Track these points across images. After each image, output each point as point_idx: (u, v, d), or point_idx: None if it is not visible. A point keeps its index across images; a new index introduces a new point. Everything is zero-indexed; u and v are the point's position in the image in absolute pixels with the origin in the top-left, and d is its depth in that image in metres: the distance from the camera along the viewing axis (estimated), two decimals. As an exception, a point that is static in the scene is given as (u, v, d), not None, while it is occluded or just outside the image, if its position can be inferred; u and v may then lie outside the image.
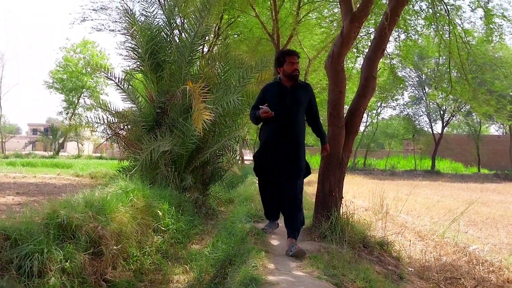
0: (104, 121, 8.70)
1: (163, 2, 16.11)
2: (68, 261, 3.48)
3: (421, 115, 37.37)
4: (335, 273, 3.37)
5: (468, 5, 8.47)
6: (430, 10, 8.21)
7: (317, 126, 4.74)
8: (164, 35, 8.62)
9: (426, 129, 37.05)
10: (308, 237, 4.85)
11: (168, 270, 4.71)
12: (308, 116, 4.62)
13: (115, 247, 4.11)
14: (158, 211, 5.86)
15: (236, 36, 16.66)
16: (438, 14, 7.81)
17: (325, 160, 5.08)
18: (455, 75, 10.77)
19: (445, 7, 7.68)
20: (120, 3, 18.51)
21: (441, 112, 35.62)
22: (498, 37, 8.60)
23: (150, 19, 8.76)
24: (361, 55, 11.38)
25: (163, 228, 5.70)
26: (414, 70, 32.57)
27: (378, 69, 5.33)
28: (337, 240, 4.45)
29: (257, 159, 4.72)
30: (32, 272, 3.15)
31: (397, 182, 20.59)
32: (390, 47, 15.72)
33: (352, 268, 3.61)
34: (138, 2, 18.18)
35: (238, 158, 9.94)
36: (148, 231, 5.39)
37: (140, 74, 9.53)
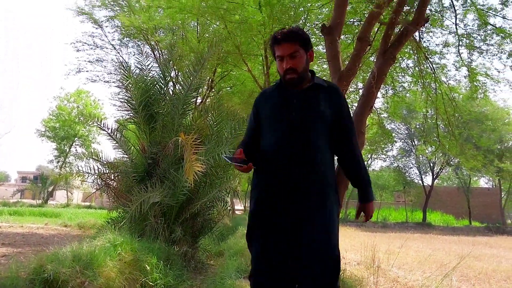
0: (94, 171, 8.70)
1: (158, 56, 16.58)
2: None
3: (411, 167, 37.72)
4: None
5: (452, 64, 8.84)
6: (417, 68, 8.54)
7: (352, 160, 2.61)
8: (158, 88, 8.80)
9: (416, 181, 37.29)
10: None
11: (155, 329, 4.58)
12: (337, 141, 2.57)
13: (101, 304, 4.01)
14: (146, 265, 5.76)
15: (229, 88, 17.02)
16: (424, 72, 8.12)
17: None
18: (442, 130, 11.04)
19: (431, 66, 8.00)
20: (116, 55, 19.01)
21: (431, 165, 35.99)
22: (482, 94, 8.91)
23: (145, 72, 8.97)
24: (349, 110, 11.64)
25: (151, 283, 5.58)
26: (403, 123, 33.19)
27: (366, 125, 5.47)
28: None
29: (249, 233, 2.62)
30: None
31: (389, 234, 20.44)
32: (378, 103, 16.15)
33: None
34: (134, 55, 18.65)
35: (229, 209, 9.87)
36: (136, 286, 5.27)
37: (133, 125, 9.65)
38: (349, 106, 11.72)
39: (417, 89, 9.52)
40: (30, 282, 3.53)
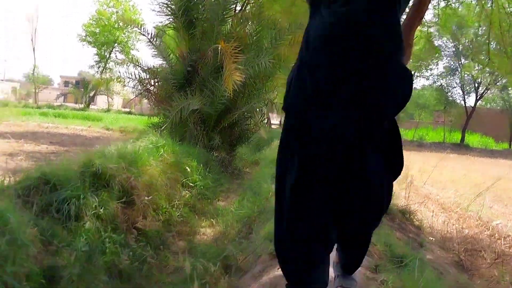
0: (135, 77, 8.84)
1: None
2: (102, 207, 3.68)
3: (454, 87, 36.32)
4: (357, 236, 3.45)
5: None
6: (474, -23, 7.87)
7: None
8: (198, -8, 8.55)
9: (458, 101, 36.08)
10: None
11: (195, 223, 4.91)
12: None
13: (146, 198, 4.29)
14: (187, 167, 6.04)
15: (270, -5, 16.32)
16: (482, -19, 7.49)
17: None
18: (494, 47, 10.39)
19: (490, -26, 7.34)
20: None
21: (476, 85, 34.51)
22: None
23: (184, -26, 8.67)
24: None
25: (191, 184, 5.88)
26: (451, 40, 31.41)
27: (414, 37, 5.22)
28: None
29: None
30: (70, 216, 3.35)
31: (424, 153, 20.33)
32: (428, 15, 15.17)
33: (373, 232, 3.68)
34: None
35: (265, 121, 9.98)
36: (177, 186, 5.58)
37: (172, 31, 9.56)
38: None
39: (471, 1, 8.86)
40: (81, 175, 3.79)
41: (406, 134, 36.22)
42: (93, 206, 3.59)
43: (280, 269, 2.03)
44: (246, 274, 2.92)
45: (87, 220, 3.47)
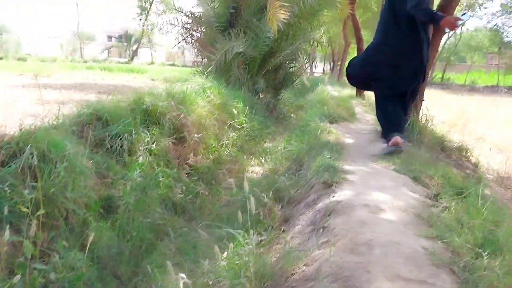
0: (178, 23, 8.74)
1: None
2: (154, 143, 3.72)
3: (511, 26, 33.93)
4: (412, 168, 3.33)
5: None
6: None
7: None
8: None
9: (515, 42, 33.76)
10: (383, 139, 4.79)
11: (244, 162, 4.93)
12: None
13: (196, 136, 4.31)
14: (233, 110, 6.01)
15: None
16: None
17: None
18: None
19: None
20: None
21: (536, 23, 32.05)
22: None
23: None
24: None
25: (237, 126, 5.87)
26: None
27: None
28: (415, 141, 4.35)
29: None
30: (123, 150, 3.41)
31: (477, 97, 19.38)
32: None
33: (430, 166, 3.54)
34: None
35: (310, 63, 9.75)
36: (224, 127, 5.58)
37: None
38: None
39: None
40: (131, 111, 3.83)
41: (457, 78, 34.63)
42: (145, 141, 3.64)
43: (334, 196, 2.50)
44: (299, 204, 2.90)
45: (140, 154, 3.53)
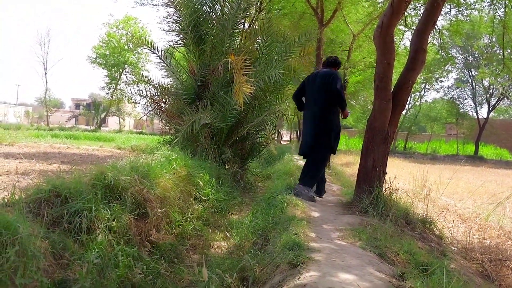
0: (146, 94, 8.85)
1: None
2: (115, 220, 3.59)
3: (466, 99, 36.08)
4: (378, 244, 3.32)
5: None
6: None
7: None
8: (207, 8, 8.60)
9: (470, 113, 35.75)
10: (348, 211, 4.80)
11: (209, 236, 4.80)
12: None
13: (159, 210, 4.20)
14: (199, 181, 5.96)
15: (278, 11, 16.34)
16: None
17: (369, 134, 4.98)
18: (508, 52, 10.24)
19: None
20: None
21: (488, 95, 34.19)
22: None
23: (193, -9, 8.73)
24: (409, 29, 10.98)
25: (203, 198, 5.80)
26: (460, 52, 31.29)
27: (428, 42, 5.13)
28: (379, 214, 4.38)
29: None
30: (81, 228, 3.26)
31: (439, 166, 20.01)
32: (440, 22, 15.09)
33: (395, 241, 3.55)
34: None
35: (277, 133, 9.91)
36: (190, 199, 5.49)
37: (182, 48, 9.59)
38: (410, 25, 11.04)
39: (483, 7, 8.76)
40: (93, 187, 3.72)
41: (419, 147, 35.94)
42: (105, 218, 3.51)
43: (299, 278, 2.44)
44: (264, 285, 2.80)
45: (99, 232, 3.38)
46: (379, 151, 4.91)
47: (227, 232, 4.87)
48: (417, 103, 36.66)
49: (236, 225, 4.97)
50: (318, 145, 5.57)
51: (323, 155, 5.69)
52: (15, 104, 53.48)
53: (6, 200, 3.02)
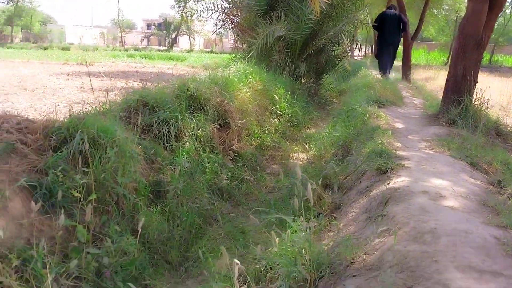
0: (218, 8, 8.66)
1: None
2: (200, 129, 3.70)
3: None
4: (469, 154, 3.16)
5: None
6: None
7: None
8: None
9: None
10: (435, 122, 4.59)
11: (287, 148, 4.85)
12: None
13: (239, 121, 4.27)
14: (275, 95, 5.93)
15: None
16: None
17: (460, 40, 4.57)
18: None
19: None
20: None
21: None
22: None
23: None
24: None
25: (279, 112, 5.79)
26: None
27: None
28: (469, 125, 4.14)
29: None
30: (170, 136, 3.40)
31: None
32: None
33: (487, 151, 3.35)
34: None
35: (355, 43, 9.52)
36: (266, 113, 5.52)
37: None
38: None
39: None
40: (177, 97, 3.81)
41: (506, 60, 33.01)
42: (191, 127, 3.62)
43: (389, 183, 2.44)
44: (350, 191, 2.80)
45: (186, 140, 3.51)
46: (471, 58, 4.51)
47: (305, 144, 4.87)
48: (507, 11, 32.96)
49: (314, 138, 4.96)
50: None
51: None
52: (90, 26, 55.35)
53: (99, 109, 3.16)
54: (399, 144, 3.37)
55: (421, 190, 2.16)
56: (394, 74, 11.29)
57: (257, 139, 4.73)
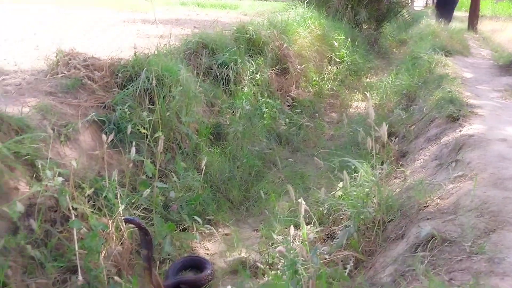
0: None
1: None
2: (258, 73, 3.64)
3: None
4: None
5: None
6: None
7: None
8: None
9: None
10: (506, 73, 4.29)
11: (346, 96, 4.71)
12: None
13: (298, 67, 4.17)
14: (334, 42, 5.71)
15: None
16: None
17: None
18: None
19: None
20: None
21: None
22: None
23: None
24: None
25: (338, 60, 5.59)
26: None
27: None
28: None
29: None
30: (229, 79, 3.37)
31: None
32: None
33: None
34: None
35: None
36: (325, 60, 5.35)
37: None
38: None
39: None
40: (235, 40, 3.75)
41: None
42: (250, 70, 3.57)
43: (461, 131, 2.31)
44: (417, 138, 2.69)
45: (245, 84, 3.48)
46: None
47: (366, 92, 4.71)
48: None
49: (375, 86, 4.78)
50: None
51: None
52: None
53: (161, 50, 3.16)
54: (469, 93, 3.18)
55: (498, 138, 2.03)
56: (459, 24, 10.62)
57: (315, 86, 4.62)
